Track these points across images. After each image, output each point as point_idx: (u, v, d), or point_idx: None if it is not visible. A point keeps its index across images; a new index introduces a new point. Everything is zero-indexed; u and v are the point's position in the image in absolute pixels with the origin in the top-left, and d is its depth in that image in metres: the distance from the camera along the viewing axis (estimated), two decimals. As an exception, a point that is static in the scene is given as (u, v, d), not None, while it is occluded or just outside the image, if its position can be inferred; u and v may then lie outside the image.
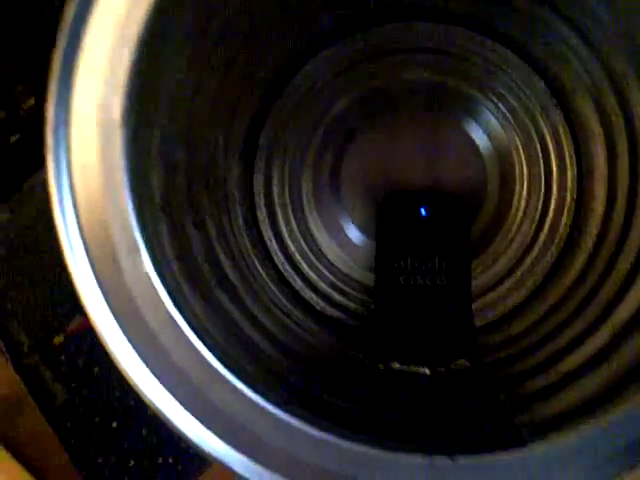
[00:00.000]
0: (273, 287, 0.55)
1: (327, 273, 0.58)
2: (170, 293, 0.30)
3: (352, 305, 0.57)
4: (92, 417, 0.59)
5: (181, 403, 0.29)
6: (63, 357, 0.59)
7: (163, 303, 0.29)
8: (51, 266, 0.60)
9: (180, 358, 0.29)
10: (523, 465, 0.29)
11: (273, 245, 0.57)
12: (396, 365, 0.50)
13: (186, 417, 0.29)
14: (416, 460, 0.29)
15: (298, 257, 0.58)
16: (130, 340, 0.29)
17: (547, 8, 0.47)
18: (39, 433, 0.60)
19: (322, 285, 0.58)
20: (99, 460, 0.58)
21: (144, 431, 0.58)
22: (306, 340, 0.51)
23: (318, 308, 0.57)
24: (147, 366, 0.29)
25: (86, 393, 0.59)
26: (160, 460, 0.57)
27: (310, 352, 0.49)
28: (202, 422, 0.29)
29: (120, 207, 0.29)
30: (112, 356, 0.29)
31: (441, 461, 0.29)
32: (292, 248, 0.58)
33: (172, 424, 0.29)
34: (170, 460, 0.57)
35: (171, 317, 0.29)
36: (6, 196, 0.62)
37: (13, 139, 0.61)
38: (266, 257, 0.56)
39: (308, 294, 0.57)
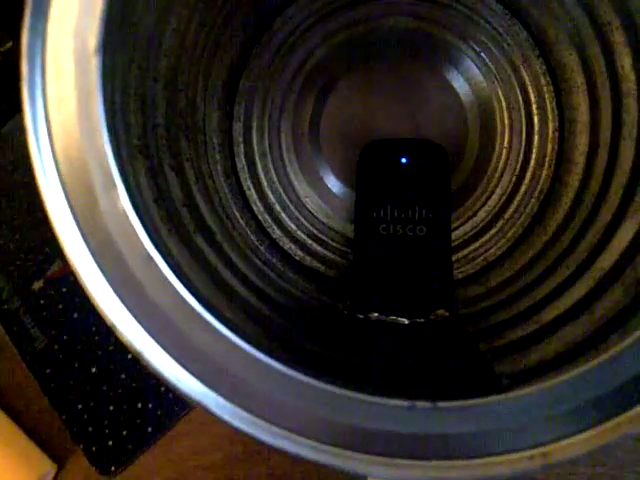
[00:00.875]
0: (252, 236, 0.54)
1: (306, 223, 0.57)
2: (148, 232, 0.29)
3: (331, 255, 0.57)
4: (71, 362, 0.59)
5: (157, 341, 0.28)
6: (43, 302, 0.59)
7: (140, 239, 0.28)
8: (30, 212, 0.60)
9: (156, 295, 0.28)
10: (502, 409, 0.29)
11: (252, 194, 0.57)
12: (375, 315, 0.50)
13: (163, 356, 0.28)
14: (397, 402, 0.28)
15: (277, 207, 0.57)
16: (105, 276, 0.28)
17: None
18: (19, 378, 0.60)
19: (301, 235, 0.57)
20: (79, 405, 0.58)
21: (123, 376, 0.58)
22: (285, 289, 0.50)
23: (297, 258, 0.56)
24: (122, 302, 0.28)
25: (66, 338, 0.59)
26: (139, 405, 0.58)
27: (289, 301, 0.49)
28: (178, 361, 0.28)
29: (96, 140, 0.28)
30: (87, 292, 0.28)
31: (422, 404, 0.28)
32: (271, 197, 0.57)
33: (151, 365, 0.28)
34: (149, 405, 0.57)
35: (148, 254, 0.28)
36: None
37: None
38: (245, 206, 0.56)
39: (287, 244, 0.57)
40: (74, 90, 0.28)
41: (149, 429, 0.58)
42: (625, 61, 0.45)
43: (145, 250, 0.28)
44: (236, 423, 0.28)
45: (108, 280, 0.28)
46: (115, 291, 0.28)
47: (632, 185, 0.43)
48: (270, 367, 0.29)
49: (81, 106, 0.28)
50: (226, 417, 0.28)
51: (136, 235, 0.28)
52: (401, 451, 0.28)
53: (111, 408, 0.58)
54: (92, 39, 0.28)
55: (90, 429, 0.58)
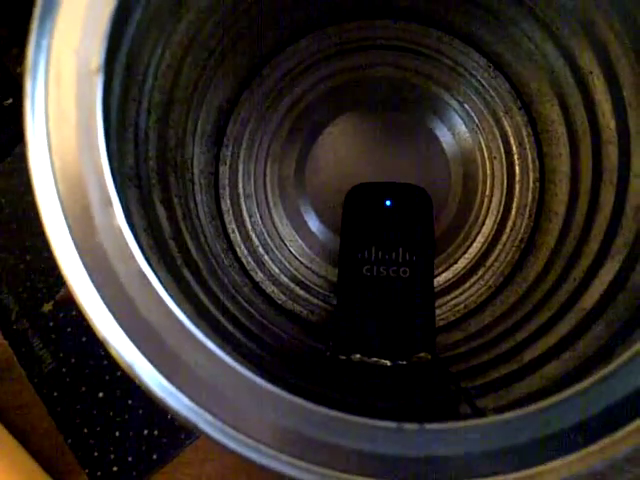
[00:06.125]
0: (236, 277, 0.54)
1: (289, 266, 0.58)
2: (142, 251, 0.29)
3: (313, 300, 0.57)
4: (79, 386, 0.58)
5: (147, 357, 0.28)
6: (52, 325, 0.59)
7: (134, 256, 0.29)
8: (41, 233, 0.60)
9: (148, 311, 0.29)
10: (490, 432, 0.29)
11: (236, 236, 0.57)
12: (357, 357, 0.50)
13: (151, 371, 0.28)
14: (385, 424, 0.28)
15: (261, 250, 0.57)
16: (100, 292, 0.28)
17: (513, 3, 0.48)
18: (26, 399, 0.60)
19: (284, 279, 0.57)
20: (85, 429, 0.57)
21: (130, 402, 0.57)
22: (269, 329, 0.50)
23: (279, 302, 0.57)
24: (114, 317, 0.28)
25: (74, 362, 0.58)
26: (145, 432, 0.57)
27: (274, 340, 0.49)
28: (167, 377, 0.28)
29: (95, 158, 0.28)
30: (81, 306, 0.28)
31: (410, 425, 0.28)
32: (255, 240, 0.57)
33: (140, 379, 0.28)
34: (156, 432, 0.57)
35: (141, 271, 0.29)
36: (-3, 160, 0.61)
37: (6, 103, 0.61)
38: (229, 248, 0.56)
39: (269, 287, 0.57)
40: (75, 107, 0.28)
41: (154, 456, 0.57)
42: (605, 108, 0.45)
43: (138, 267, 0.29)
44: (224, 440, 0.28)
45: (101, 295, 0.28)
46: (107, 306, 0.28)
47: (612, 228, 0.44)
48: (259, 386, 0.29)
49: (81, 123, 0.28)
50: (216, 435, 0.28)
51: (130, 252, 0.29)
52: (391, 473, 0.28)
53: (117, 434, 0.57)
54: (95, 58, 0.28)
55: (95, 454, 0.57)
